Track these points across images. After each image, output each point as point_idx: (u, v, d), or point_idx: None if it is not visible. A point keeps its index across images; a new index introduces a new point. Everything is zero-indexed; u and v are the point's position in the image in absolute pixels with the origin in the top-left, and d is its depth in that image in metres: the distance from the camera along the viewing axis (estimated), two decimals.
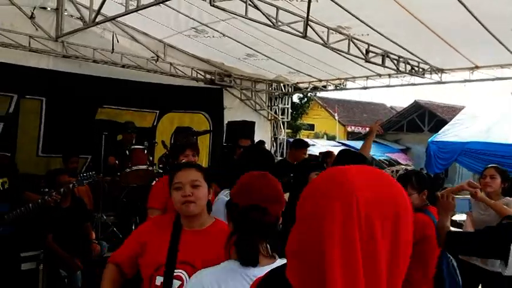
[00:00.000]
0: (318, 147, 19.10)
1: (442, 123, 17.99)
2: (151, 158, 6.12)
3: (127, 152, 5.69)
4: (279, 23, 4.83)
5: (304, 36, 4.96)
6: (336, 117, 26.44)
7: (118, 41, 6.99)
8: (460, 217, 5.89)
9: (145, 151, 5.87)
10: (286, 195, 4.41)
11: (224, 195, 2.76)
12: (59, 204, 4.09)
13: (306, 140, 21.49)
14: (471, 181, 3.47)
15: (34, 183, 5.25)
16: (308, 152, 6.19)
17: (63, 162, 5.89)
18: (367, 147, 4.14)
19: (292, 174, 4.96)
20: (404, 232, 0.80)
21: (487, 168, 3.95)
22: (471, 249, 2.26)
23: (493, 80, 6.97)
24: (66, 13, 6.61)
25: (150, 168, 5.81)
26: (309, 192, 0.85)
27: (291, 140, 16.20)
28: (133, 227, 5.70)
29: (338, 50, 5.79)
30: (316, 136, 27.14)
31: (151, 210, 3.45)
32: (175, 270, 1.87)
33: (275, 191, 1.55)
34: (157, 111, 8.03)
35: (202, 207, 2.00)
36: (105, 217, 6.01)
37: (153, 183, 5.75)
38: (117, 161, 5.80)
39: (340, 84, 9.42)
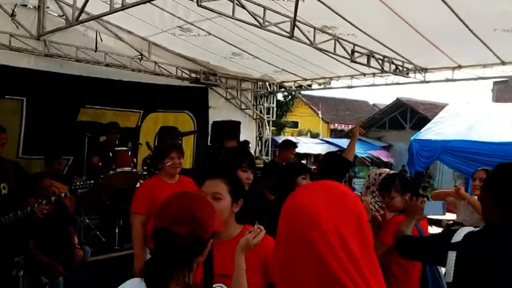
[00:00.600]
0: (301, 144, 19.15)
1: (424, 120, 18.24)
2: (135, 159, 6.03)
3: (110, 153, 5.59)
4: (266, 23, 4.80)
5: (291, 36, 4.95)
6: (320, 115, 26.55)
7: (102, 40, 6.87)
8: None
9: (129, 153, 5.78)
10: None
11: None
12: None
13: (290, 137, 21.52)
14: (458, 189, 3.52)
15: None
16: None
17: (45, 163, 5.76)
18: (351, 151, 4.14)
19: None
20: (366, 228, 1.08)
21: (477, 170, 3.95)
22: (417, 254, 2.29)
23: (475, 79, 7.08)
24: (48, 11, 6.45)
25: (134, 170, 5.73)
26: (285, 226, 1.11)
27: (276, 138, 16.25)
28: (116, 230, 5.62)
29: (324, 50, 5.79)
30: (300, 133, 27.20)
31: (134, 215, 3.40)
32: (214, 285, 1.85)
33: (186, 212, 1.40)
34: (141, 111, 7.93)
35: (223, 220, 1.94)
36: (88, 220, 5.90)
37: (137, 186, 5.71)
38: (100, 163, 5.69)
39: (325, 83, 9.45)
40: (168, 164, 3.49)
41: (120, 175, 5.53)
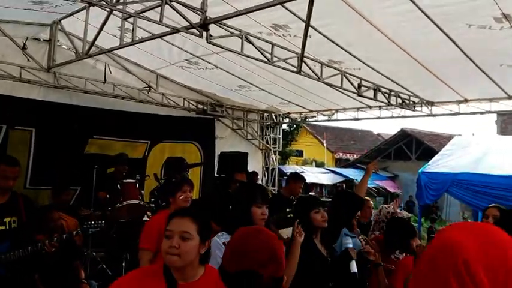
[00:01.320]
0: (307, 174, 19.10)
1: (429, 151, 18.19)
2: (142, 191, 6.00)
3: (118, 186, 5.57)
4: (275, 59, 4.86)
5: (299, 71, 4.99)
6: (325, 144, 26.56)
7: (110, 72, 6.98)
8: None
9: (137, 185, 5.76)
10: (285, 231, 4.39)
11: (217, 238, 2.69)
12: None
13: (295, 166, 21.42)
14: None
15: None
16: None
17: (54, 194, 5.73)
18: (363, 186, 4.12)
19: (288, 209, 4.91)
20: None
21: (488, 208, 3.88)
22: None
23: (482, 113, 7.10)
24: (58, 44, 6.58)
25: (142, 202, 5.69)
26: (427, 260, 0.99)
27: (281, 167, 16.20)
28: (123, 264, 5.54)
29: (331, 85, 5.83)
30: (305, 162, 27.17)
31: (142, 251, 3.36)
32: None
33: (267, 251, 1.38)
34: (149, 142, 7.96)
35: (189, 261, 1.88)
36: (94, 254, 5.82)
37: (144, 218, 5.67)
38: (108, 195, 5.66)
39: (331, 114, 9.48)
40: (181, 197, 3.50)
41: (127, 208, 5.49)
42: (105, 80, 6.85)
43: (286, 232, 4.77)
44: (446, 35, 4.58)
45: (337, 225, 3.55)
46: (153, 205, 5.97)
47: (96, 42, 5.30)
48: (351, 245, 2.98)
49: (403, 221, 3.52)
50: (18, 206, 3.71)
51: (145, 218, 5.75)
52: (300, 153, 28.47)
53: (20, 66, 6.26)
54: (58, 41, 6.57)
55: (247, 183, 5.47)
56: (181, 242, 1.83)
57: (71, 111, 6.87)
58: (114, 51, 6.78)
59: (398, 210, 4.39)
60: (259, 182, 9.11)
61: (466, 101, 7.12)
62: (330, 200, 5.50)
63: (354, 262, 2.86)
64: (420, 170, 9.15)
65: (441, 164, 9.21)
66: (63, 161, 6.63)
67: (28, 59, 6.36)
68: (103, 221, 3.93)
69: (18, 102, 6.33)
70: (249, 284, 1.34)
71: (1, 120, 6.21)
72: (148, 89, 7.69)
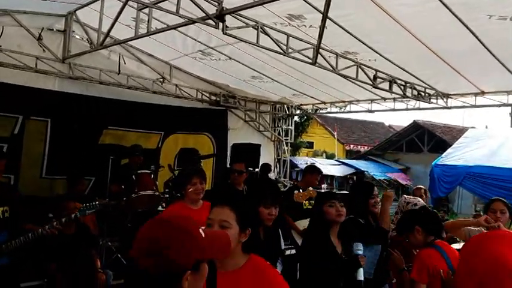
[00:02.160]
0: (317, 165, 18.97)
1: (442, 143, 18.01)
2: (157, 182, 6.04)
3: (133, 176, 5.61)
4: (290, 50, 4.83)
5: (314, 63, 4.95)
6: (335, 136, 26.41)
7: (125, 63, 6.99)
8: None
9: (152, 175, 5.79)
10: (302, 222, 4.37)
11: None
12: (62, 232, 3.94)
13: (306, 158, 21.26)
14: (488, 218, 3.44)
15: (38, 207, 5.13)
16: None
17: (69, 184, 5.80)
18: (386, 218, 3.89)
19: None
20: None
21: (494, 201, 3.79)
22: None
23: (498, 106, 6.99)
24: (73, 35, 6.60)
25: (157, 193, 5.73)
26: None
27: (292, 159, 16.14)
28: None
29: (346, 76, 5.78)
30: (315, 154, 27.06)
31: None
32: None
33: (150, 243, 1.22)
34: (162, 133, 7.98)
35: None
36: (109, 243, 5.88)
37: (159, 209, 5.71)
38: (123, 186, 5.71)
39: (344, 106, 9.43)
40: (190, 190, 3.48)
41: (142, 198, 5.53)
42: (119, 71, 6.88)
43: (302, 223, 4.80)
44: (466, 25, 4.51)
45: (354, 216, 3.54)
46: (167, 196, 6.01)
47: (110, 33, 5.31)
48: (360, 252, 2.91)
49: (433, 214, 3.38)
50: (8, 195, 3.75)
51: (160, 208, 5.80)
52: (310, 145, 28.35)
53: (36, 57, 6.29)
54: (73, 31, 6.59)
55: (260, 180, 5.45)
56: (220, 230, 1.84)
57: (86, 102, 6.92)
58: (129, 42, 6.80)
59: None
60: (272, 173, 9.10)
61: (482, 93, 7.02)
62: (340, 191, 5.48)
63: (361, 270, 2.82)
64: (433, 163, 9.10)
65: (455, 156, 9.15)
66: (78, 151, 6.70)
67: (44, 50, 6.39)
68: (97, 202, 3.95)
69: (34, 93, 6.37)
70: (133, 271, 1.24)
71: (17, 110, 6.28)
72: (161, 80, 7.71)
